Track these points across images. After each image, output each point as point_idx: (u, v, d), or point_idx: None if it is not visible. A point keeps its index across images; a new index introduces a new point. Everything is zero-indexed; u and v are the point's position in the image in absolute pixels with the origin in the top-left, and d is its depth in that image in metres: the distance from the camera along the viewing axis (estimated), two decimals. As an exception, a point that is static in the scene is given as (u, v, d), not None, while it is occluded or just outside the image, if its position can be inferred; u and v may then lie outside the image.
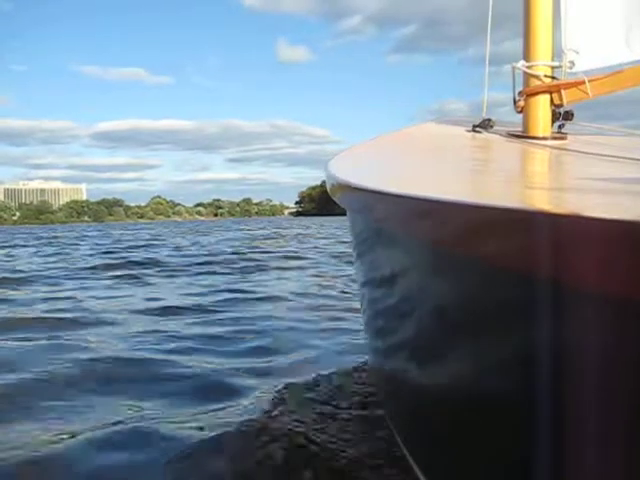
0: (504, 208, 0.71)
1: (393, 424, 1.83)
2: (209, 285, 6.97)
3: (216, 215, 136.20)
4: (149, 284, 7.39)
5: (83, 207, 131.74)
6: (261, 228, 33.30)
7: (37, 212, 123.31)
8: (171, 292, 6.44)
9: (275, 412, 2.33)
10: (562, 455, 0.71)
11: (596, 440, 0.66)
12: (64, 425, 2.26)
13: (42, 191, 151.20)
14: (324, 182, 1.93)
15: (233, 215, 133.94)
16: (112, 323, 4.42)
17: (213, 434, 2.13)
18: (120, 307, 5.27)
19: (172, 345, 3.62)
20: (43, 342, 3.67)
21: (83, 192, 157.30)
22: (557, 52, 2.19)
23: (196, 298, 5.75)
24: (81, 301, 5.69)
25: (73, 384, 2.76)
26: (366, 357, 2.86)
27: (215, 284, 7.00)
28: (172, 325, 4.32)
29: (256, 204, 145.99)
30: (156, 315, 4.78)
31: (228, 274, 8.24)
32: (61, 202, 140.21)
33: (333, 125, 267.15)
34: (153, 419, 2.31)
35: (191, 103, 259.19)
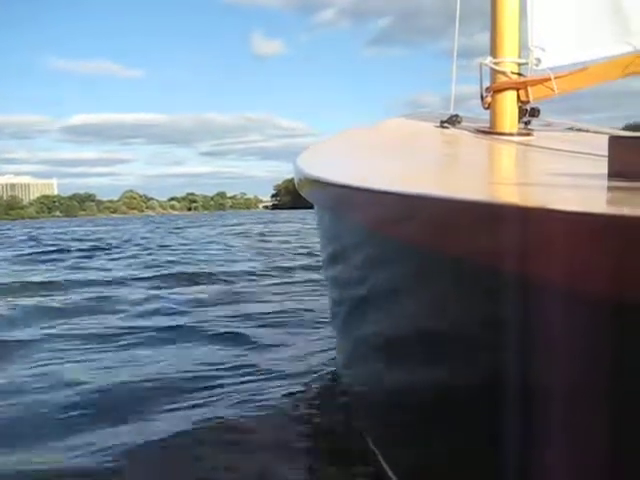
0: (471, 202, 0.71)
1: (362, 424, 1.83)
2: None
3: (190, 209, 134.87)
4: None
5: (54, 202, 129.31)
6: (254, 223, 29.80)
7: (7, 207, 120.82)
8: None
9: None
10: (531, 458, 0.72)
11: (562, 438, 0.67)
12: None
13: (12, 186, 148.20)
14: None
15: (207, 209, 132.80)
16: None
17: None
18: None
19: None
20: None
21: (54, 187, 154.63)
22: (524, 49, 2.22)
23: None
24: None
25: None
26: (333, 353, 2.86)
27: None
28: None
29: (230, 198, 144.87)
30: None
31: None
32: (32, 197, 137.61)
33: (308, 118, 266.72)
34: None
35: (164, 96, 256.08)
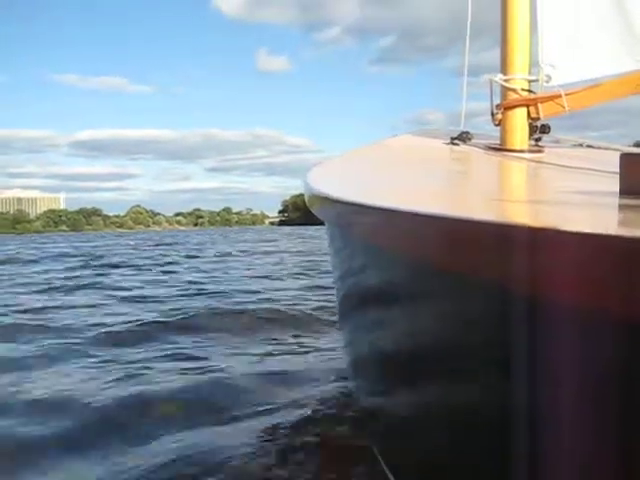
0: (482, 221, 0.71)
1: (373, 439, 1.82)
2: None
3: (196, 225, 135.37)
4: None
5: (61, 216, 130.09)
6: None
7: (13, 221, 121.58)
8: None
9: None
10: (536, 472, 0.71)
11: (573, 460, 0.66)
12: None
13: (19, 200, 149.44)
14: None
15: (213, 225, 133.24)
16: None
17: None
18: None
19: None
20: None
21: (61, 201, 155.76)
22: (534, 66, 2.22)
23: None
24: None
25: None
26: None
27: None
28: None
29: (236, 213, 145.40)
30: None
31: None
32: (39, 211, 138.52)
33: (313, 134, 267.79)
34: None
35: (171, 112, 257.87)
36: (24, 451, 2.21)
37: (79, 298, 6.85)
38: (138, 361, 3.54)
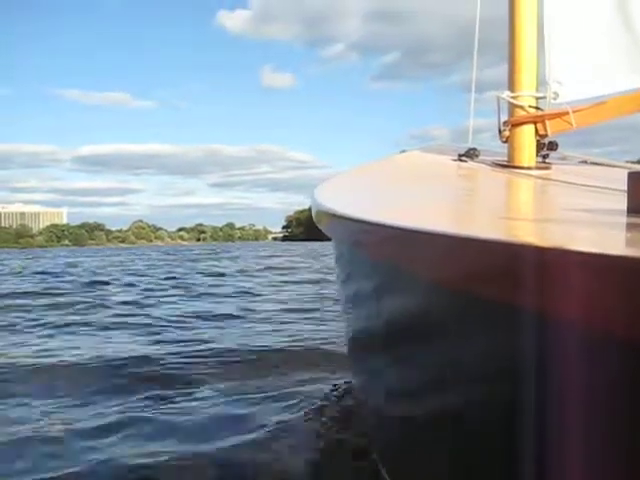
0: (490, 240, 0.71)
1: (377, 450, 1.81)
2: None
3: (199, 240, 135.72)
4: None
5: (63, 231, 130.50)
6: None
7: (16, 236, 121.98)
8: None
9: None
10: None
11: (569, 473, 0.66)
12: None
13: (22, 215, 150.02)
14: (311, 207, 1.93)
15: (216, 240, 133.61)
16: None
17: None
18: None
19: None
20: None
21: (64, 216, 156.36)
22: (541, 83, 2.23)
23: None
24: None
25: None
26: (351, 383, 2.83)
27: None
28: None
29: (239, 229, 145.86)
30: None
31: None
32: (41, 226, 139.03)
33: (317, 150, 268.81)
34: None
35: (175, 128, 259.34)
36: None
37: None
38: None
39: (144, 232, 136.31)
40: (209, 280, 12.26)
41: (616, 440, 0.59)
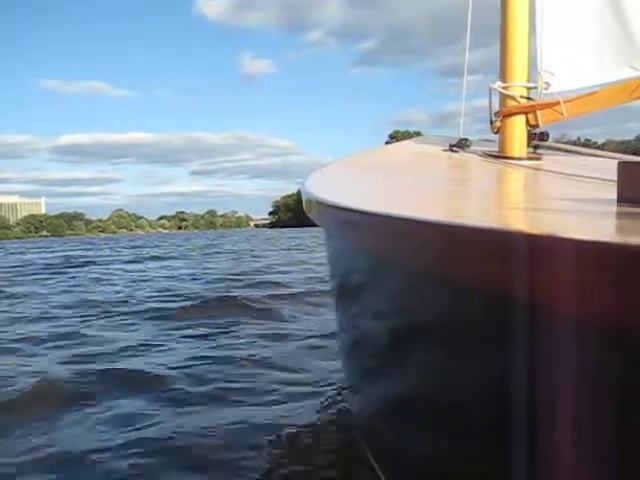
0: (481, 228, 0.71)
1: (367, 443, 1.82)
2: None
3: (180, 228, 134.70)
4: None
5: (41, 222, 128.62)
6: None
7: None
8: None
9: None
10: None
11: (568, 467, 0.66)
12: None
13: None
14: (299, 192, 1.91)
15: (198, 228, 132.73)
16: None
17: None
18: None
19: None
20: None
21: (42, 206, 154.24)
22: (533, 73, 2.23)
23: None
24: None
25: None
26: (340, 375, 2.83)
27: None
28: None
29: (221, 216, 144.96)
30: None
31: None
32: (19, 217, 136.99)
33: (297, 137, 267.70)
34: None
35: (155, 116, 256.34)
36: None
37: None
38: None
39: (125, 221, 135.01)
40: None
41: (611, 429, 0.60)
